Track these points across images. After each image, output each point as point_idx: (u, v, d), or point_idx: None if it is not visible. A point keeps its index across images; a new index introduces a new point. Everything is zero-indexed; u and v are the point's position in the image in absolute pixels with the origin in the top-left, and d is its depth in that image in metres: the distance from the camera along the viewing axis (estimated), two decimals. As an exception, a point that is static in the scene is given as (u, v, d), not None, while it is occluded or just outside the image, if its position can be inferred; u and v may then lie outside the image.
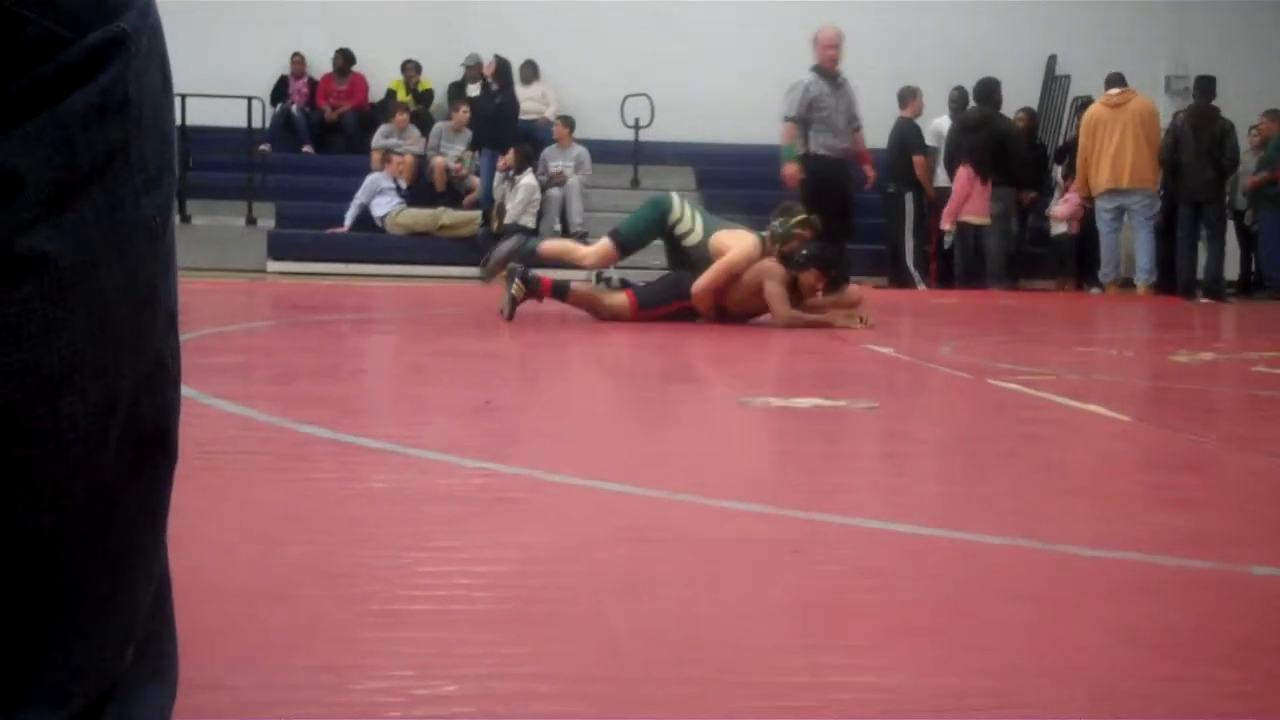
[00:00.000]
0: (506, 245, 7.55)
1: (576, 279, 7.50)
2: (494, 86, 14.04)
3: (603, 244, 7.70)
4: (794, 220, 7.24)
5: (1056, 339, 7.56)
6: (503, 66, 14.19)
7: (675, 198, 7.57)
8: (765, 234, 7.29)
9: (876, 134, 13.86)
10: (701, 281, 7.15)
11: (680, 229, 7.34)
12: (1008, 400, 4.54)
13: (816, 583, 2.02)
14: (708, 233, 7.31)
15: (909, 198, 13.39)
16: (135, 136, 0.76)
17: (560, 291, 7.19)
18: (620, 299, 7.30)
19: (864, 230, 14.07)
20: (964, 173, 12.85)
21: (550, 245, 7.59)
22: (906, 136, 13.51)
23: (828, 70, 10.39)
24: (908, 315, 8.03)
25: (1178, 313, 10.29)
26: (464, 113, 14.42)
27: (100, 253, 0.74)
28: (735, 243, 7.21)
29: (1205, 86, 12.70)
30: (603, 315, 7.23)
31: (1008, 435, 3.83)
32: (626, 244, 7.58)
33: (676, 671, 1.59)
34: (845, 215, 10.30)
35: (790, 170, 10.26)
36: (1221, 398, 5.19)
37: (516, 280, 7.08)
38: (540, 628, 1.75)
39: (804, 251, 7.14)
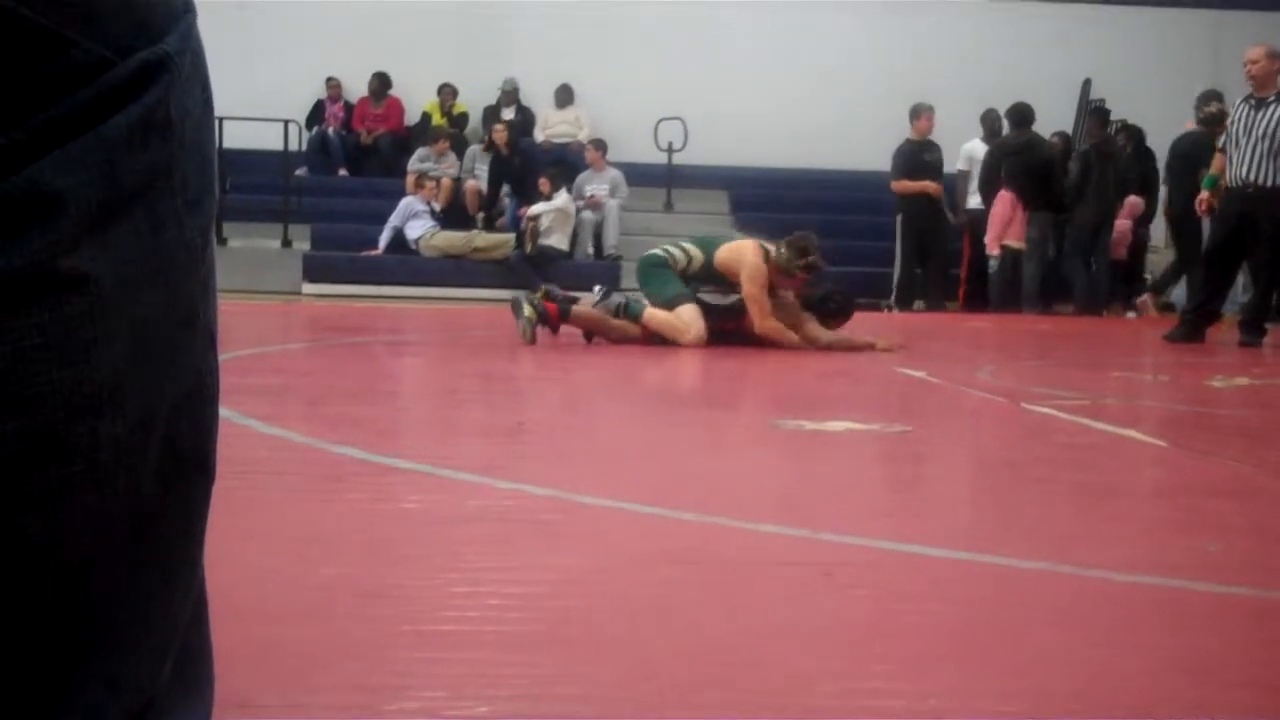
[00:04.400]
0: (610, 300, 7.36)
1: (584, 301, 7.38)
2: (505, 153, 14.35)
3: (687, 310, 7.22)
4: (800, 263, 7.16)
5: (1091, 363, 7.51)
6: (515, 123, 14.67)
7: (659, 252, 7.46)
8: (770, 248, 7.23)
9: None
10: (758, 323, 7.16)
11: (688, 270, 7.31)
12: (1042, 424, 4.52)
13: (849, 606, 2.02)
14: (708, 255, 7.29)
15: (898, 220, 13.30)
16: (177, 158, 0.77)
17: (565, 314, 7.16)
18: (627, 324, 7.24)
19: (867, 253, 13.97)
20: (1005, 197, 12.79)
21: (654, 315, 7.33)
22: (902, 158, 13.38)
23: (1253, 91, 8.91)
24: (941, 339, 7.99)
25: (1213, 337, 10.20)
26: (500, 131, 14.55)
27: (142, 273, 0.75)
28: (738, 257, 7.20)
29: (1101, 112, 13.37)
30: (612, 337, 7.22)
31: (1042, 460, 3.81)
32: (693, 297, 7.29)
33: (709, 694, 1.59)
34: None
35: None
36: (1258, 423, 5.15)
37: (527, 305, 7.07)
38: (573, 649, 1.75)
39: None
